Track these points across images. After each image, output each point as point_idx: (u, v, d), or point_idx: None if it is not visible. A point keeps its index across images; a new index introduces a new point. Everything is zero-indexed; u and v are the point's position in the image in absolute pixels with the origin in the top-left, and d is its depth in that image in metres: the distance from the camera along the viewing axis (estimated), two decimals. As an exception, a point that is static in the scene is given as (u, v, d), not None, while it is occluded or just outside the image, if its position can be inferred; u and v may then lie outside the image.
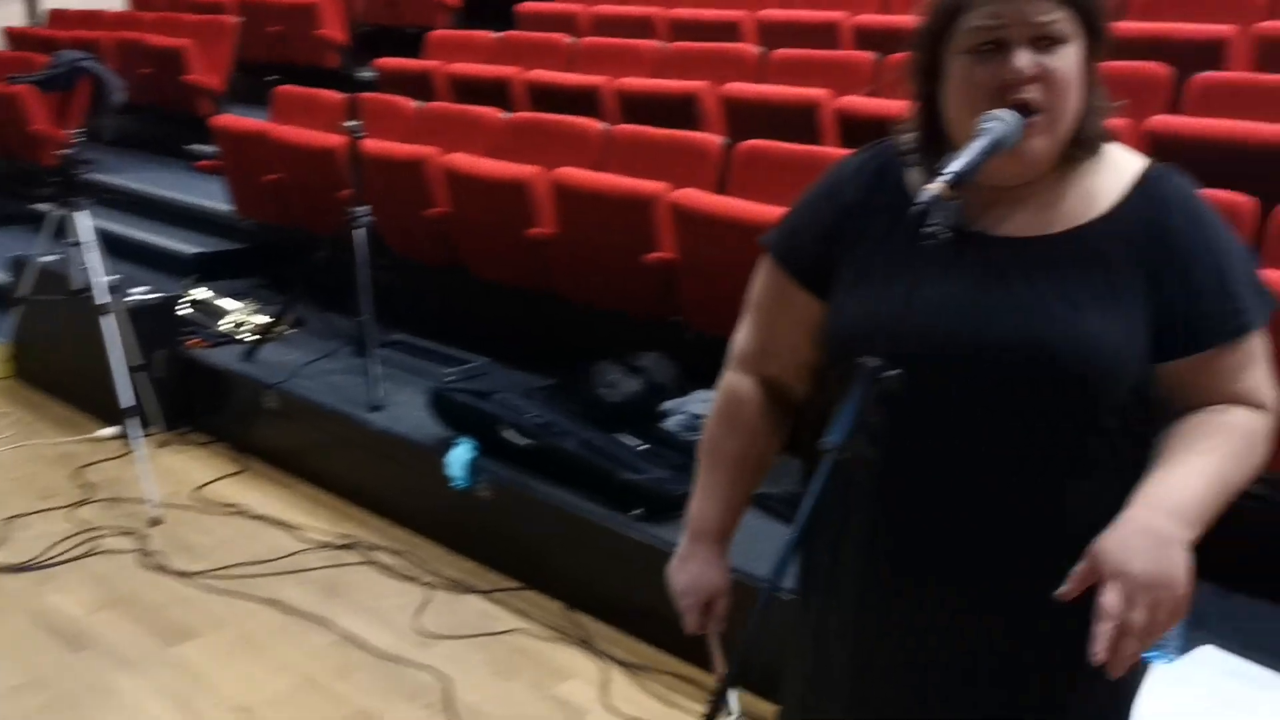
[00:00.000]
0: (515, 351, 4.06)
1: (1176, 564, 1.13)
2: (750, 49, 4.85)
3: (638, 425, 3.35)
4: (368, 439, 3.63)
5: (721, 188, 3.78)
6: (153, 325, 4.13)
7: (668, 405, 3.41)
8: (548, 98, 4.80)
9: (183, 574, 3.30)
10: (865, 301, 1.29)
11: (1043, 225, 1.26)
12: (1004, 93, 1.19)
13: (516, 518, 3.24)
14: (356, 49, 6.87)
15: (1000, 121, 1.18)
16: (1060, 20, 1.19)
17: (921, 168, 1.30)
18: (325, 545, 3.47)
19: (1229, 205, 2.62)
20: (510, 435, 3.26)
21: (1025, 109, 1.19)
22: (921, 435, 1.26)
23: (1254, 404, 1.26)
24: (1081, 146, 1.25)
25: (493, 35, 5.75)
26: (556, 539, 3.15)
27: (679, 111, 4.36)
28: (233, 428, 4.15)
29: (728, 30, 5.21)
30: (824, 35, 4.89)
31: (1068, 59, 1.20)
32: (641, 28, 5.56)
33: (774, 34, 5.03)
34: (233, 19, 6.76)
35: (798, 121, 3.99)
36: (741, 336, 1.48)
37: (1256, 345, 1.26)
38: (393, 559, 3.39)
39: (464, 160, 4.02)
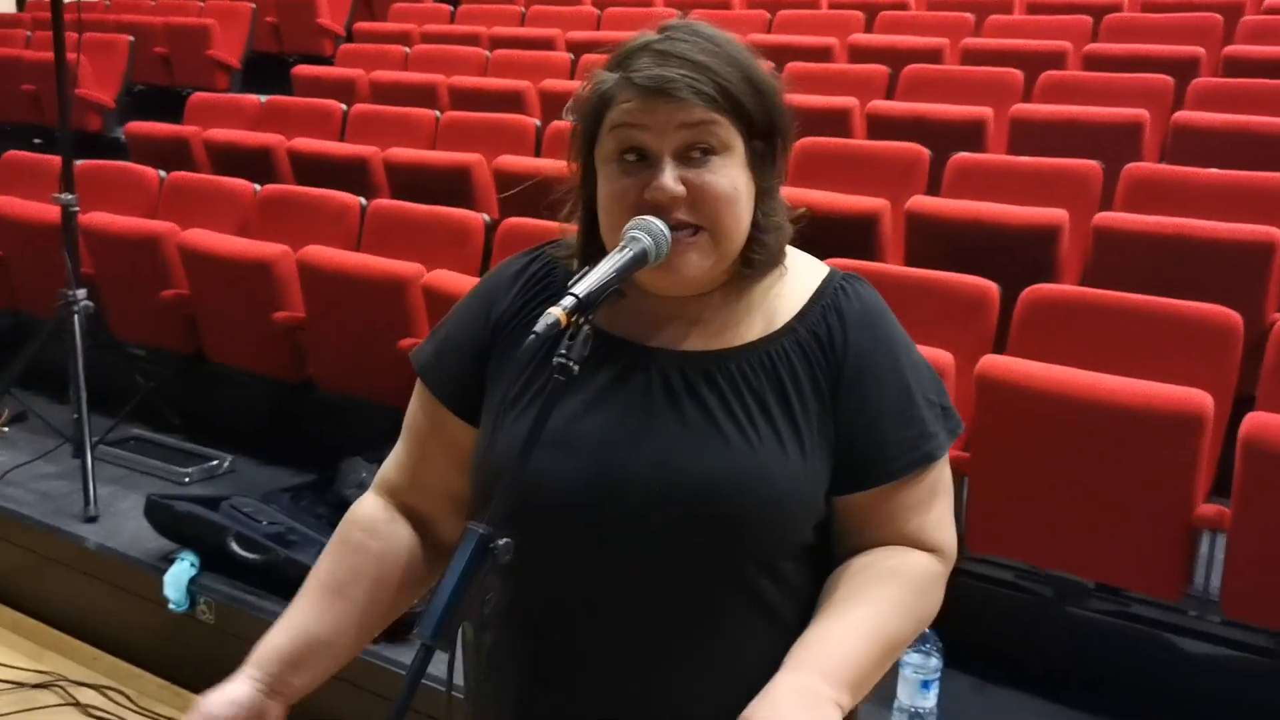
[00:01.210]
0: (266, 447, 3.68)
1: None
2: (529, 121, 4.67)
3: (389, 530, 3.03)
4: (78, 556, 3.16)
5: (486, 268, 3.54)
6: None
7: (423, 507, 3.11)
8: (314, 169, 4.47)
9: None
10: (506, 435, 1.10)
11: (719, 341, 1.10)
12: (651, 211, 1.03)
13: (243, 642, 2.79)
14: (125, 111, 6.38)
15: (644, 233, 1.01)
16: (712, 125, 1.03)
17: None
18: (18, 685, 2.98)
19: (974, 290, 2.54)
20: (235, 548, 2.88)
21: (677, 227, 1.03)
22: (570, 582, 1.09)
23: (929, 547, 1.12)
24: (753, 266, 1.09)
25: (259, 100, 5.39)
26: (289, 666, 2.78)
27: (452, 185, 4.11)
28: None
29: (512, 101, 5.02)
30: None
31: (725, 172, 1.04)
32: (424, 96, 5.32)
33: (558, 106, 4.87)
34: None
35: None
36: (389, 461, 1.27)
37: (939, 477, 1.13)
38: (98, 698, 2.92)
39: (202, 237, 3.64)
